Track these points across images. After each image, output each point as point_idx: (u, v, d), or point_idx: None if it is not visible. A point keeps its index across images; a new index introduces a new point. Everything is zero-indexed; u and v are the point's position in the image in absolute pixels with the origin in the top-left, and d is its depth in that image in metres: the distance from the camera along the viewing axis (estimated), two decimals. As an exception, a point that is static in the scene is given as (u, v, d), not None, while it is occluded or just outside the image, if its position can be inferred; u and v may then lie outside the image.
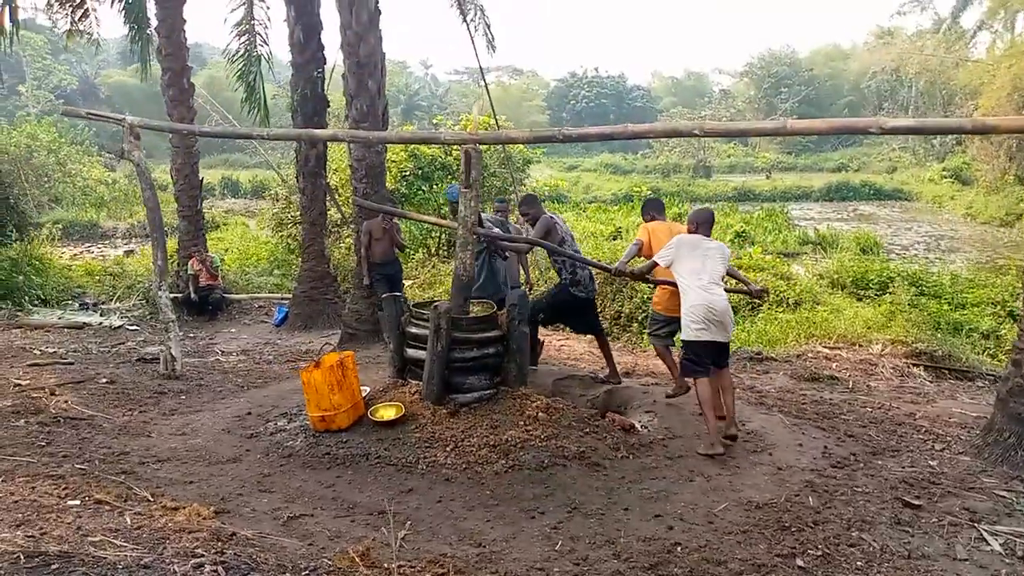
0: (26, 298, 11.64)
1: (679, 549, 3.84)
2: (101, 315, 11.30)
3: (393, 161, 17.21)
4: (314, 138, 8.11)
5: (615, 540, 3.92)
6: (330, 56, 10.80)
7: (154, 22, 11.79)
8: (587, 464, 4.72)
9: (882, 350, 8.91)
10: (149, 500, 3.87)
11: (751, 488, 4.66)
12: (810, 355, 8.66)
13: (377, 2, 8.83)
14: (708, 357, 5.29)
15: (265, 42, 12.78)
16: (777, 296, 11.69)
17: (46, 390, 5.84)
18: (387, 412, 5.05)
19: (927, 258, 21.20)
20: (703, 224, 5.56)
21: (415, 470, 4.50)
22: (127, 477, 4.23)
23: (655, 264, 5.65)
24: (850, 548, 3.90)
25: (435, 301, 6.38)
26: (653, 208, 6.66)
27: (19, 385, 5.90)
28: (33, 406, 5.39)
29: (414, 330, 5.49)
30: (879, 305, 11.05)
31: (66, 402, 5.64)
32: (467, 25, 13.18)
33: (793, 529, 4.09)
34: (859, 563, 3.75)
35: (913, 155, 43.18)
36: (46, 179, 26.19)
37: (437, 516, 4.04)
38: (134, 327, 10.81)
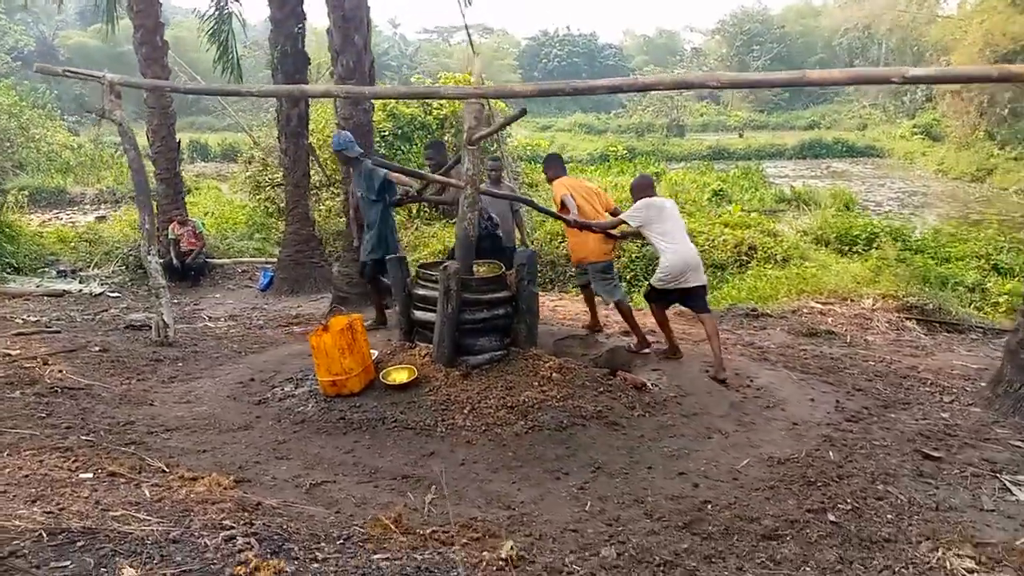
0: (-1, 267, 11.29)
1: (709, 507, 3.80)
2: (80, 282, 11.00)
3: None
4: (306, 94, 7.85)
5: (643, 499, 3.87)
6: (309, 11, 10.51)
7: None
8: (605, 423, 4.67)
9: (874, 304, 8.95)
10: (164, 471, 3.74)
11: (769, 444, 4.65)
12: (805, 311, 8.68)
13: (361, -45, 8.52)
14: (675, 297, 6.07)
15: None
16: (765, 252, 11.71)
17: (38, 359, 5.63)
18: (399, 375, 4.94)
19: (901, 214, 21.40)
20: (651, 187, 6.20)
21: (434, 433, 4.41)
22: (137, 448, 4.09)
23: (622, 222, 6.07)
24: (878, 501, 3.90)
25: (441, 262, 6.26)
26: (558, 163, 6.83)
27: (9, 355, 5.68)
28: (27, 376, 5.20)
29: (422, 292, 5.37)
30: (866, 260, 11.11)
31: (60, 372, 5.44)
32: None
33: (819, 484, 4.07)
34: (889, 516, 3.75)
35: (883, 112, 43.41)
36: (8, 144, 25.36)
37: (462, 479, 3.96)
38: (115, 294, 10.54)
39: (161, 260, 11.10)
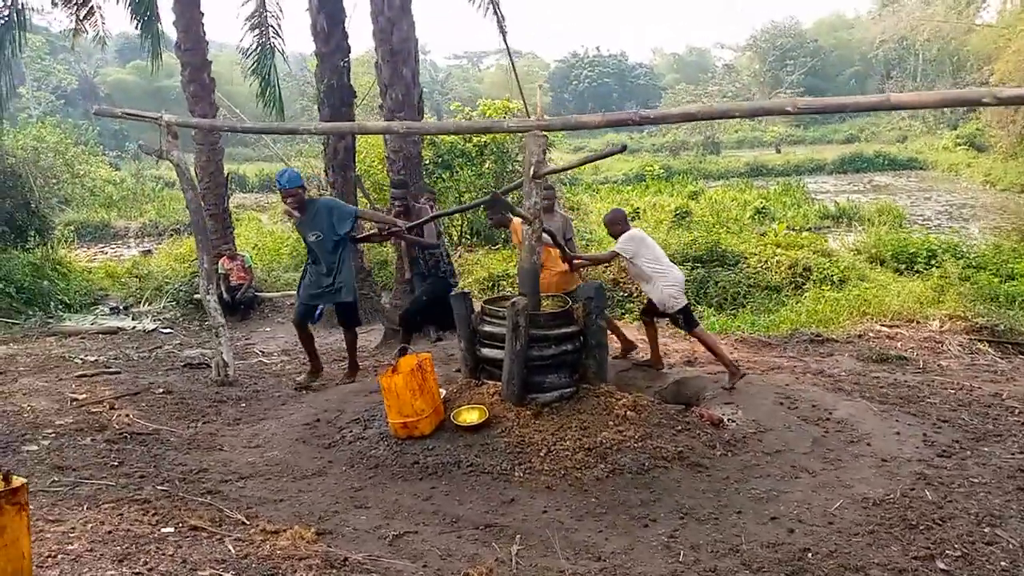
0: (51, 304, 11.42)
1: (809, 555, 3.61)
2: (133, 319, 11.08)
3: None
4: (366, 130, 7.83)
5: (739, 548, 3.69)
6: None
7: (168, 16, 11.52)
8: (688, 465, 4.49)
9: (941, 326, 8.67)
10: (244, 523, 3.65)
11: (861, 483, 4.43)
12: (871, 335, 8.42)
13: (409, -13, 8.54)
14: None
15: (278, 34, 12.51)
16: (821, 273, 11.45)
17: (104, 404, 5.61)
18: (470, 416, 4.82)
19: (952, 227, 20.90)
20: (626, 220, 6.61)
21: (512, 478, 4.28)
22: (213, 497, 4.01)
23: (615, 255, 6.54)
24: (988, 546, 3.67)
25: (505, 296, 6.16)
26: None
27: (76, 399, 5.68)
28: (96, 422, 5.17)
29: (488, 328, 5.25)
30: (927, 279, 10.79)
31: (127, 416, 5.41)
32: (486, 6, 12.88)
33: (921, 527, 3.86)
34: (1003, 563, 3.53)
35: (923, 123, 42.71)
36: (55, 181, 25.94)
37: (546, 528, 3.82)
38: (168, 330, 10.59)
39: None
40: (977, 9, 34.61)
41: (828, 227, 20.46)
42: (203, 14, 11.17)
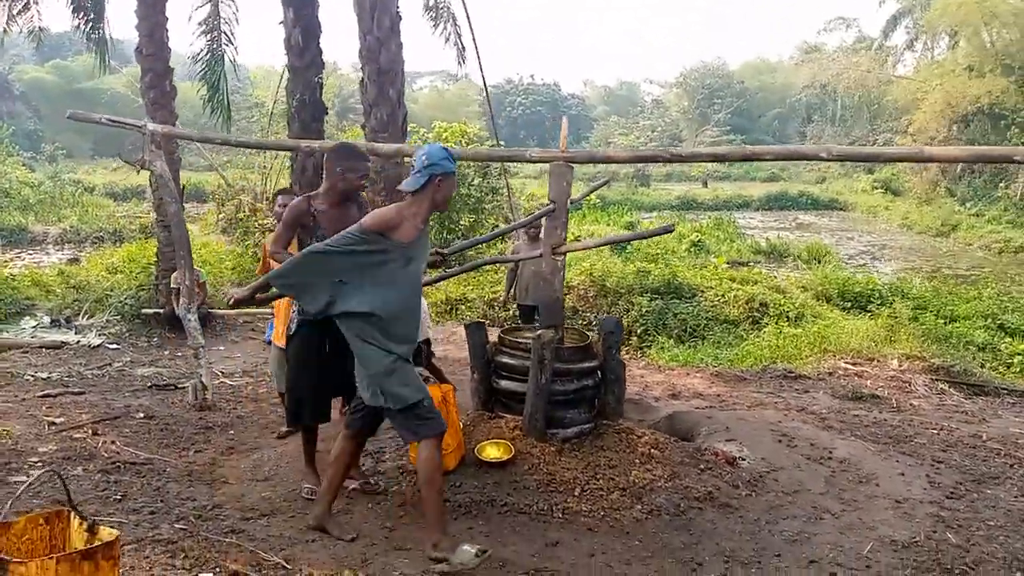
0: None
1: (861, 601, 3.62)
2: (76, 332, 10.46)
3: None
4: (375, 152, 7.56)
5: (789, 593, 3.68)
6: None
7: (119, 18, 11.07)
8: (718, 506, 4.47)
9: (900, 365, 8.98)
10: (286, 567, 3.43)
11: (883, 525, 4.49)
12: (839, 372, 8.65)
13: (398, 8, 8.42)
14: None
15: (231, 41, 12.17)
16: (777, 309, 11.74)
17: (85, 429, 5.23)
18: (494, 451, 4.68)
19: (875, 268, 21.88)
20: None
21: (551, 519, 4.15)
22: (239, 537, 3.75)
23: None
24: (1025, 592, 3.77)
25: (518, 327, 6.05)
26: None
27: (54, 423, 5.27)
28: (83, 450, 4.80)
29: (506, 359, 5.13)
30: (875, 318, 11.20)
31: (113, 443, 5.05)
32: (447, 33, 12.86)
33: (957, 572, 3.93)
34: (1043, 609, 3.62)
35: (841, 166, 44.67)
36: (-36, 182, 24.52)
37: (596, 573, 3.71)
38: (115, 346, 10.05)
39: (161, 310, 10.77)
40: (895, 62, 36.67)
41: (760, 262, 21.05)
42: (167, 19, 10.75)
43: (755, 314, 11.69)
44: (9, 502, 2.51)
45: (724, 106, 52.57)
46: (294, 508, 4.22)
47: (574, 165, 4.91)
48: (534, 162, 5.25)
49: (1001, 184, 27.63)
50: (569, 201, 5.21)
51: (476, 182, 15.60)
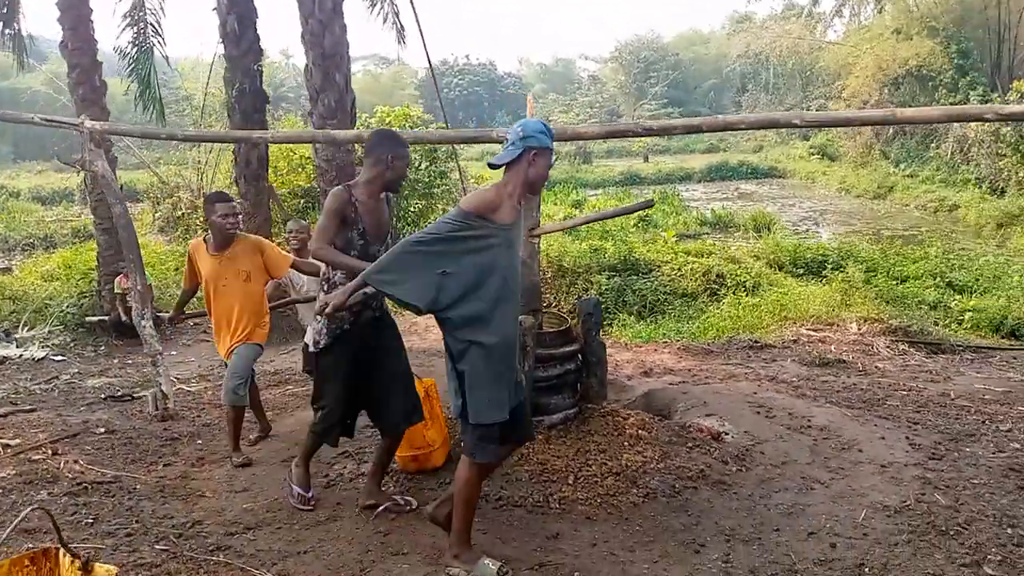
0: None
1: (866, 570, 3.61)
2: (17, 345, 9.93)
3: (307, 157, 16.27)
4: (334, 140, 7.27)
5: (794, 568, 3.64)
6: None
7: (34, 14, 10.51)
8: (712, 484, 4.43)
9: (859, 328, 9.12)
10: (283, 584, 3.25)
11: (872, 491, 4.50)
12: (803, 339, 8.75)
13: (341, -12, 8.13)
14: None
15: (158, 32, 11.68)
16: (734, 280, 11.84)
17: (44, 449, 4.93)
18: (482, 444, 4.54)
19: (818, 233, 22.33)
20: None
21: (548, 511, 4.05)
22: (227, 554, 3.56)
23: None
24: (1020, 548, 3.81)
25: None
26: None
27: (8, 445, 4.95)
28: (44, 472, 4.52)
29: (485, 349, 4.99)
30: (830, 283, 11.37)
31: (76, 462, 4.77)
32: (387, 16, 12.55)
33: (951, 533, 3.95)
34: (1041, 563, 3.66)
35: (777, 134, 45.42)
36: None
37: (601, 562, 3.63)
38: (59, 357, 9.57)
39: (105, 317, 10.31)
40: (825, 28, 37.28)
41: (708, 233, 21.25)
42: (92, 10, 10.21)
43: (712, 286, 11.77)
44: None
45: (660, 79, 52.88)
46: (279, 519, 4.03)
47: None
48: (501, 142, 5.07)
49: (932, 144, 28.38)
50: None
51: (424, 167, 15.35)
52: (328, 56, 8.01)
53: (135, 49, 11.15)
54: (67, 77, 10.21)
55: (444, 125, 13.06)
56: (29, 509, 2.29)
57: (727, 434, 5.30)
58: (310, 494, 4.20)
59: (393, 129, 4.19)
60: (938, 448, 5.15)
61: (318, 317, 3.80)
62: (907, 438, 5.33)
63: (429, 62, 9.91)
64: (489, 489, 4.21)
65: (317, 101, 8.13)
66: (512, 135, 3.31)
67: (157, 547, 3.60)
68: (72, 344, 10.05)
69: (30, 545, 3.48)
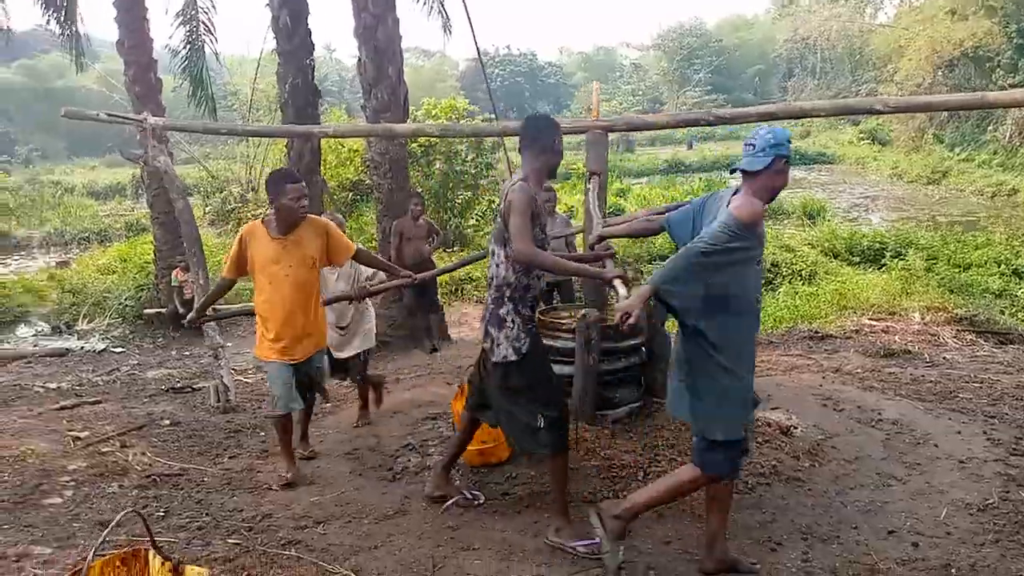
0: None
1: (953, 571, 3.48)
2: (79, 338, 10.17)
3: (355, 150, 16.35)
4: (395, 134, 7.30)
5: (876, 568, 3.52)
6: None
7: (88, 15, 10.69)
8: (785, 480, 4.31)
9: (923, 318, 8.85)
10: (358, 579, 3.24)
11: (953, 488, 4.35)
12: (865, 329, 8.51)
13: (393, -20, 8.09)
14: None
15: (210, 31, 11.80)
16: (789, 269, 11.60)
17: (112, 442, 5.00)
18: (547, 438, 4.48)
19: (870, 220, 21.78)
20: None
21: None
22: (298, 548, 3.56)
23: None
24: (1115, 552, 3.63)
25: (553, 307, 5.86)
26: None
27: (78, 438, 5.03)
28: (114, 465, 4.58)
29: (547, 342, 4.92)
30: (890, 271, 11.07)
31: (144, 455, 4.83)
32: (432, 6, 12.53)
33: (1040, 533, 3.80)
34: None
35: (825, 119, 44.50)
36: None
37: (675, 560, 3.54)
38: (119, 349, 9.79)
39: (164, 309, 10.49)
40: (875, 11, 36.36)
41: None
42: (147, 9, 10.35)
43: (768, 274, 11.53)
44: (91, 552, 2.27)
45: (704, 66, 52.13)
46: (347, 513, 4.02)
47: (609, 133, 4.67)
48: (572, 132, 5.00)
49: (989, 127, 27.53)
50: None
51: (470, 158, 15.30)
52: (381, 50, 7.99)
53: (187, 47, 11.30)
54: (123, 75, 10.38)
55: (493, 116, 12.98)
56: (122, 514, 2.27)
57: (796, 428, 5.16)
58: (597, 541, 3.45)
59: (545, 114, 3.94)
60: (1019, 444, 4.95)
61: (509, 325, 3.56)
62: (984, 432, 5.14)
63: (478, 51, 9.86)
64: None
65: (371, 95, 8.12)
66: (760, 141, 3.12)
67: (229, 540, 3.62)
68: (131, 336, 10.25)
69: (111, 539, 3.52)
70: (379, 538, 3.72)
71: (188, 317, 5.28)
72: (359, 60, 8.20)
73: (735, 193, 3.22)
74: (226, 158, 23.56)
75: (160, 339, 10.22)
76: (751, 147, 3.16)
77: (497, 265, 3.61)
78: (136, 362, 9.08)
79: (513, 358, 3.56)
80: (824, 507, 4.09)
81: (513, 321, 3.57)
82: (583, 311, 4.68)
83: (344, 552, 3.55)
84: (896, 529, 3.89)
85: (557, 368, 4.80)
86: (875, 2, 36.07)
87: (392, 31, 8.03)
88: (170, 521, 3.88)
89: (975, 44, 27.21)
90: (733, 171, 3.22)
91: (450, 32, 13.38)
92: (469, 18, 10.52)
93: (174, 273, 10.28)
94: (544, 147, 3.65)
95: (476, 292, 12.40)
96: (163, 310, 10.43)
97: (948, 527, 3.90)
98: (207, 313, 5.29)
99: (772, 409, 5.59)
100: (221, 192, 18.17)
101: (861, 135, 36.98)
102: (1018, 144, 25.74)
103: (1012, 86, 25.94)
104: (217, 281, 4.71)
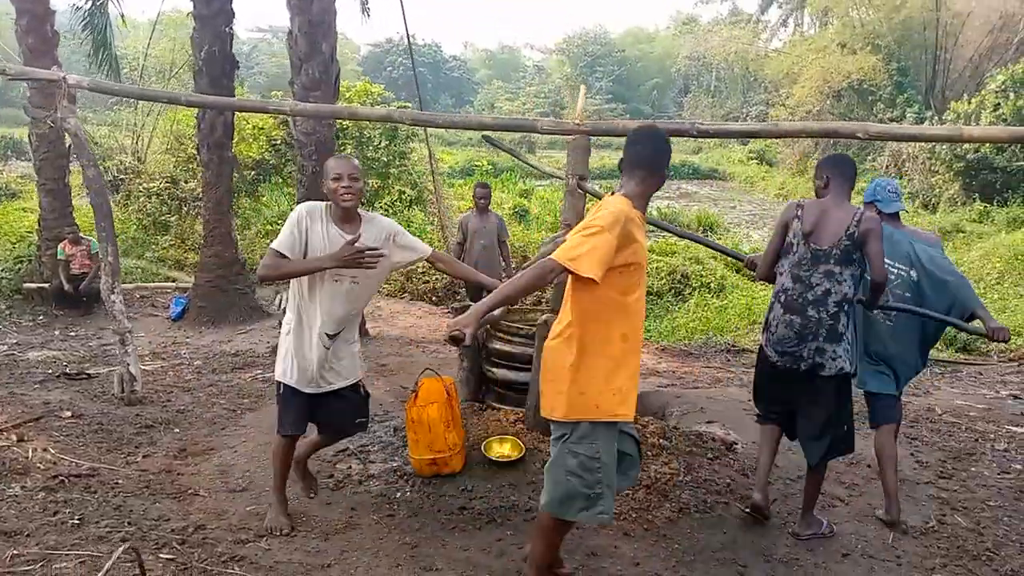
0: None
1: (913, 597, 3.52)
2: (-55, 312, 9.15)
3: (261, 128, 15.59)
4: (357, 116, 6.93)
5: (840, 592, 3.53)
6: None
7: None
8: (739, 499, 4.28)
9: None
10: (315, 603, 2.94)
11: (893, 510, 4.45)
12: (778, 346, 8.72)
13: (332, -48, 7.66)
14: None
15: (115, -13, 10.98)
16: (698, 280, 11.83)
17: (8, 435, 4.43)
18: (503, 448, 4.29)
19: (760, 236, 22.68)
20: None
21: (583, 525, 3.81)
22: (242, 566, 3.21)
23: None
24: (1056, 576, 3.79)
25: (521, 310, 5.64)
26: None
27: (-34, 430, 4.44)
28: (13, 462, 4.04)
29: (500, 346, 4.73)
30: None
31: (46, 451, 4.30)
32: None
33: (983, 558, 3.91)
34: (1079, 593, 3.64)
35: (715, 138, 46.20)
36: None
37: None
38: (-7, 327, 8.85)
39: (47, 284, 9.60)
40: (770, 37, 38.01)
41: (654, 230, 21.31)
42: (43, -47, 9.42)
43: (678, 285, 11.73)
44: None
45: (606, 74, 53.04)
46: (292, 525, 3.68)
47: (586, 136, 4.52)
48: (547, 133, 4.85)
49: (868, 157, 29.23)
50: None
51: (383, 145, 14.87)
52: (315, 24, 7.54)
53: (90, 3, 10.45)
54: (14, 24, 9.39)
55: (410, 104, 12.63)
56: (121, 550, 1.91)
57: (736, 443, 5.18)
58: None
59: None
60: (944, 466, 5.14)
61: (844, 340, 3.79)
62: (911, 455, 5.31)
63: (409, 43, 9.58)
64: (516, 499, 3.97)
65: (301, 71, 7.64)
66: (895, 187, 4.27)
67: (161, 555, 3.22)
68: (8, 312, 9.31)
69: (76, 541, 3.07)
70: (331, 555, 3.42)
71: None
72: (290, 32, 7.71)
73: (902, 231, 4.17)
74: (108, 124, 21.99)
75: (41, 316, 9.32)
76: (895, 194, 4.19)
77: (840, 282, 3.73)
78: (15, 341, 8.24)
79: (848, 369, 3.83)
80: (778, 528, 4.08)
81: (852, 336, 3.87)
82: (544, 316, 4.51)
83: (294, 571, 3.23)
84: (849, 552, 3.92)
85: (512, 375, 4.64)
86: (771, 28, 37.66)
87: (328, 5, 7.60)
88: (87, 531, 3.43)
89: (860, 77, 28.86)
90: (890, 215, 4.13)
91: (368, 14, 12.94)
92: (403, 8, 10.19)
93: (61, 245, 9.40)
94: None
95: (385, 286, 12.00)
96: (46, 285, 9.52)
97: (897, 551, 3.97)
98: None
99: (708, 423, 5.60)
100: (110, 160, 16.86)
101: (751, 155, 38.52)
102: (893, 175, 27.44)
103: (891, 119, 27.70)
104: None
